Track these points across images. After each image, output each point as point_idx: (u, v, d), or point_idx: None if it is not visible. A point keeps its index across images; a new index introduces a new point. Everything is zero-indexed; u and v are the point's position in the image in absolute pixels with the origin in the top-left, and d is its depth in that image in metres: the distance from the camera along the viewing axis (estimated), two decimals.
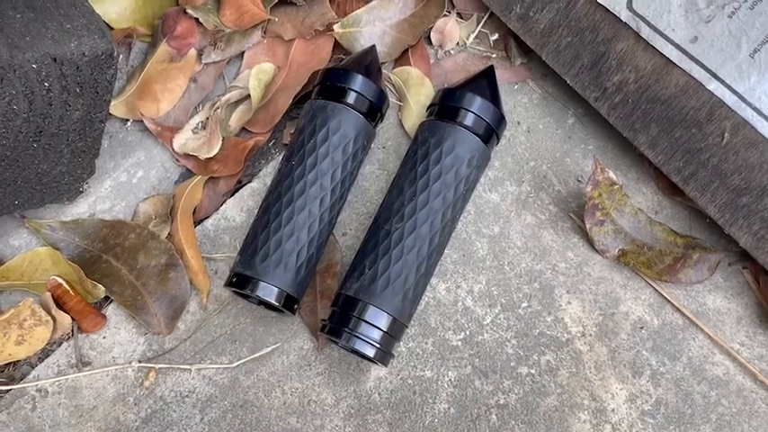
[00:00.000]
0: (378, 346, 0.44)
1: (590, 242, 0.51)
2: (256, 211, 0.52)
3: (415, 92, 0.56)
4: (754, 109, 0.45)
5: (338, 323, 0.45)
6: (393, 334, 0.45)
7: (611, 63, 0.51)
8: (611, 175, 0.50)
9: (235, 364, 0.49)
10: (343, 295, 0.46)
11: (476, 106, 0.49)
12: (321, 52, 0.57)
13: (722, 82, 0.46)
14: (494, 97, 0.51)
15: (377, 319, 0.44)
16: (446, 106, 0.50)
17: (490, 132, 0.50)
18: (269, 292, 0.46)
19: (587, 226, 0.51)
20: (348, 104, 0.49)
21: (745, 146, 0.46)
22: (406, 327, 0.47)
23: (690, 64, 0.47)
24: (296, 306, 0.48)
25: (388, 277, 0.45)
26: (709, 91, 0.47)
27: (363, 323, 0.44)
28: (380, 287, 0.45)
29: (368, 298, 0.45)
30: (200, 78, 0.57)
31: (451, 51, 0.59)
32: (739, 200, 0.48)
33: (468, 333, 0.50)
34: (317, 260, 0.49)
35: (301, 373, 0.49)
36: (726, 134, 0.47)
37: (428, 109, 0.52)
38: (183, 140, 0.54)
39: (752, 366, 0.49)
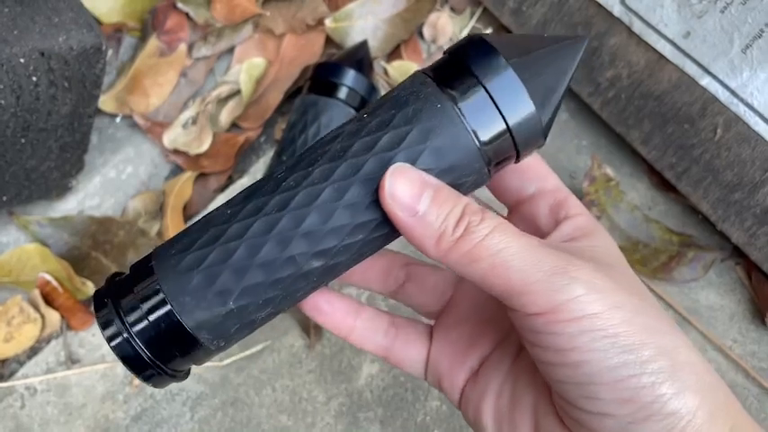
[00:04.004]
0: None
1: None
2: None
3: None
4: (747, 105, 0.45)
5: None
6: None
7: (603, 58, 0.51)
8: (608, 170, 0.50)
9: (225, 362, 0.48)
10: None
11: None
12: (313, 47, 0.57)
13: (715, 77, 0.46)
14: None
15: None
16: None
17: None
18: None
19: None
20: (340, 99, 0.49)
21: (738, 141, 0.46)
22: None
23: (682, 59, 0.47)
24: None
25: None
26: (702, 86, 0.46)
27: None
28: None
29: None
30: (191, 73, 0.57)
31: (444, 46, 0.58)
32: (731, 196, 0.47)
33: None
34: None
35: (292, 370, 0.48)
36: (718, 130, 0.47)
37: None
38: (173, 136, 0.54)
39: (744, 363, 0.49)
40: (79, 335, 0.49)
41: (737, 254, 0.51)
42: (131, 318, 0.24)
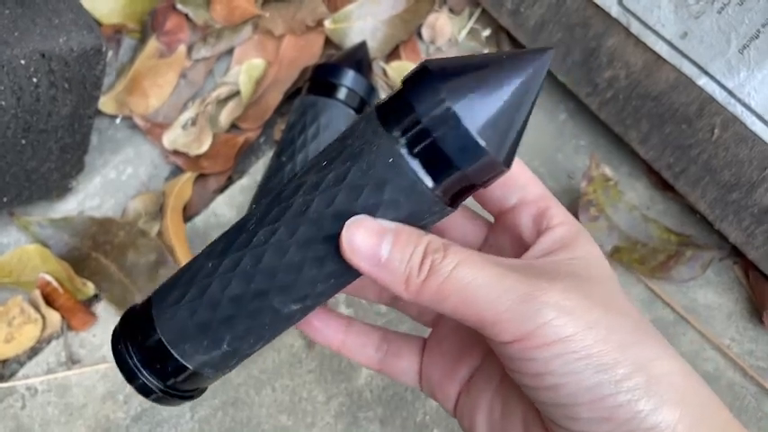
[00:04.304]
0: None
1: None
2: (246, 207, 0.52)
3: None
4: (744, 105, 0.45)
5: None
6: None
7: (602, 59, 0.51)
8: (607, 170, 0.50)
9: None
10: None
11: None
12: (312, 48, 0.57)
13: (712, 78, 0.46)
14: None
15: None
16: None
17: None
18: None
19: (581, 222, 0.50)
20: (339, 100, 0.49)
21: (735, 141, 0.46)
22: None
23: (680, 60, 0.47)
24: None
25: None
26: (699, 87, 0.47)
27: None
28: None
29: None
30: (190, 74, 0.57)
31: (443, 47, 0.59)
32: (729, 195, 0.48)
33: None
34: None
35: (292, 370, 0.49)
36: (716, 130, 0.47)
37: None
38: (173, 137, 0.54)
39: (742, 362, 0.49)
40: (80, 335, 0.49)
41: (735, 253, 0.51)
42: (144, 363, 0.28)
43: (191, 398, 0.30)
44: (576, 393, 0.23)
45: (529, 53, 0.23)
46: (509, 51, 0.23)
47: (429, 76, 0.22)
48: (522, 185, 0.28)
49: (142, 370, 0.28)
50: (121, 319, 0.29)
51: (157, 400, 0.29)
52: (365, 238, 0.23)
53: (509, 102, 0.22)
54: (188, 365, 0.27)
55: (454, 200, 0.24)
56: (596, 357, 0.22)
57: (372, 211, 0.23)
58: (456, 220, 0.30)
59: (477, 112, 0.22)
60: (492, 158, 0.22)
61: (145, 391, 0.28)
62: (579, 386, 0.22)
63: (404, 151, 0.23)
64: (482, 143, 0.22)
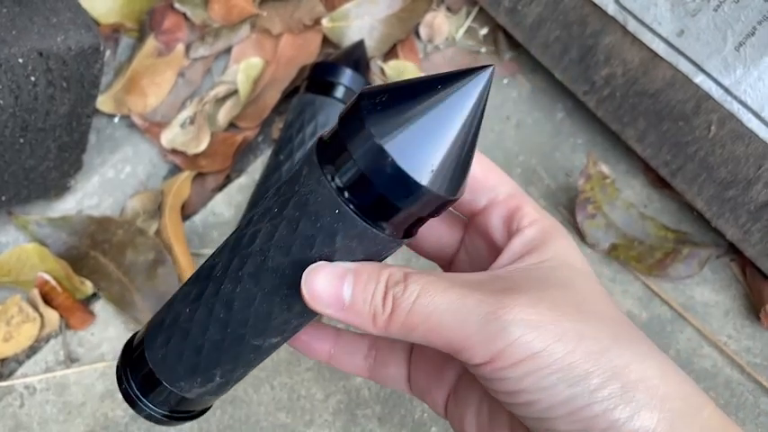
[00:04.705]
0: None
1: (579, 236, 0.52)
2: (245, 206, 0.52)
3: None
4: (740, 102, 0.45)
5: None
6: None
7: (599, 57, 0.51)
8: (604, 168, 0.50)
9: None
10: None
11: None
12: (310, 47, 0.57)
13: (708, 75, 0.46)
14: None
15: None
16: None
17: None
18: None
19: (578, 219, 0.51)
20: (337, 99, 0.49)
21: (732, 139, 0.47)
22: None
23: (676, 57, 0.47)
24: None
25: None
26: (696, 84, 0.47)
27: None
28: None
29: None
30: (188, 73, 0.57)
31: (440, 46, 0.59)
32: (726, 193, 0.48)
33: None
34: None
35: (290, 368, 0.49)
36: (712, 127, 0.47)
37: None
38: (171, 136, 0.54)
39: (739, 359, 0.49)
40: (78, 334, 0.49)
41: (732, 250, 0.51)
42: (146, 395, 0.29)
43: (199, 415, 0.31)
44: (551, 408, 0.22)
45: (467, 74, 0.21)
46: (445, 74, 0.22)
47: (361, 113, 0.22)
48: (491, 186, 0.27)
49: (145, 401, 0.29)
50: (122, 354, 0.31)
51: (166, 425, 0.30)
52: (325, 286, 0.23)
53: (446, 131, 0.21)
54: (187, 396, 0.29)
55: (409, 231, 0.24)
56: (568, 370, 0.22)
57: (329, 258, 0.23)
58: (430, 223, 0.30)
59: (409, 147, 0.21)
60: (433, 194, 0.22)
61: (152, 418, 0.30)
62: (554, 400, 0.22)
63: (347, 198, 0.22)
64: (418, 179, 0.21)
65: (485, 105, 0.22)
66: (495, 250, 0.27)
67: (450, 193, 0.22)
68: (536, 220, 0.27)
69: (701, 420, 0.23)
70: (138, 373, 0.29)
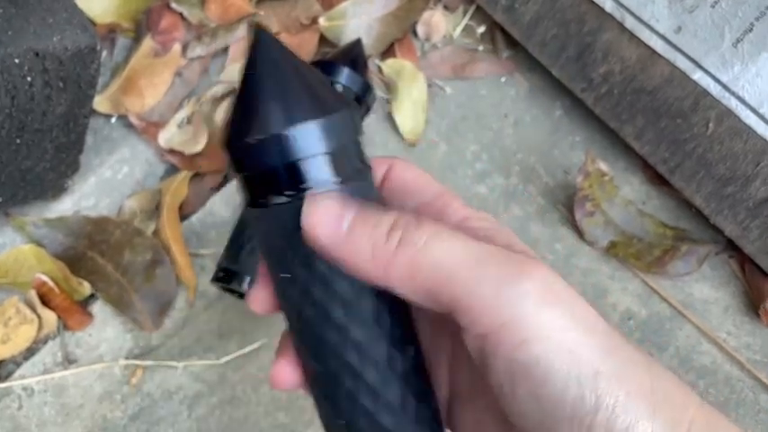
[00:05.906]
0: None
1: (578, 234, 0.52)
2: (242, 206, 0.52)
3: (408, 85, 0.56)
4: (738, 98, 0.45)
5: None
6: None
7: (596, 54, 0.51)
8: (602, 165, 0.50)
9: (222, 360, 0.48)
10: None
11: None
12: (307, 46, 0.57)
13: (706, 72, 0.46)
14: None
15: None
16: None
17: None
18: None
19: (577, 217, 0.51)
20: None
21: (730, 135, 0.46)
22: None
23: (674, 54, 0.47)
24: None
25: None
26: (694, 81, 0.47)
27: None
28: None
29: None
30: (185, 73, 0.57)
31: (438, 44, 0.59)
32: (724, 189, 0.48)
33: None
34: None
35: None
36: (711, 124, 0.47)
37: None
38: (169, 136, 0.54)
39: (738, 355, 0.49)
40: (76, 335, 0.49)
41: (731, 247, 0.51)
42: None
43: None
44: (555, 406, 0.20)
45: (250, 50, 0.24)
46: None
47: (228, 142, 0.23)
48: (416, 189, 0.26)
49: None
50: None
51: None
52: (324, 210, 0.21)
53: (251, 95, 0.23)
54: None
55: (342, 175, 0.22)
56: (580, 364, 0.20)
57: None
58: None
59: (242, 128, 0.22)
60: (273, 136, 0.21)
61: None
62: (561, 397, 0.20)
63: (260, 203, 0.22)
64: (262, 135, 0.21)
65: (270, 56, 0.23)
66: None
67: (286, 125, 0.22)
68: (469, 217, 0.25)
69: (686, 422, 0.21)
70: None
